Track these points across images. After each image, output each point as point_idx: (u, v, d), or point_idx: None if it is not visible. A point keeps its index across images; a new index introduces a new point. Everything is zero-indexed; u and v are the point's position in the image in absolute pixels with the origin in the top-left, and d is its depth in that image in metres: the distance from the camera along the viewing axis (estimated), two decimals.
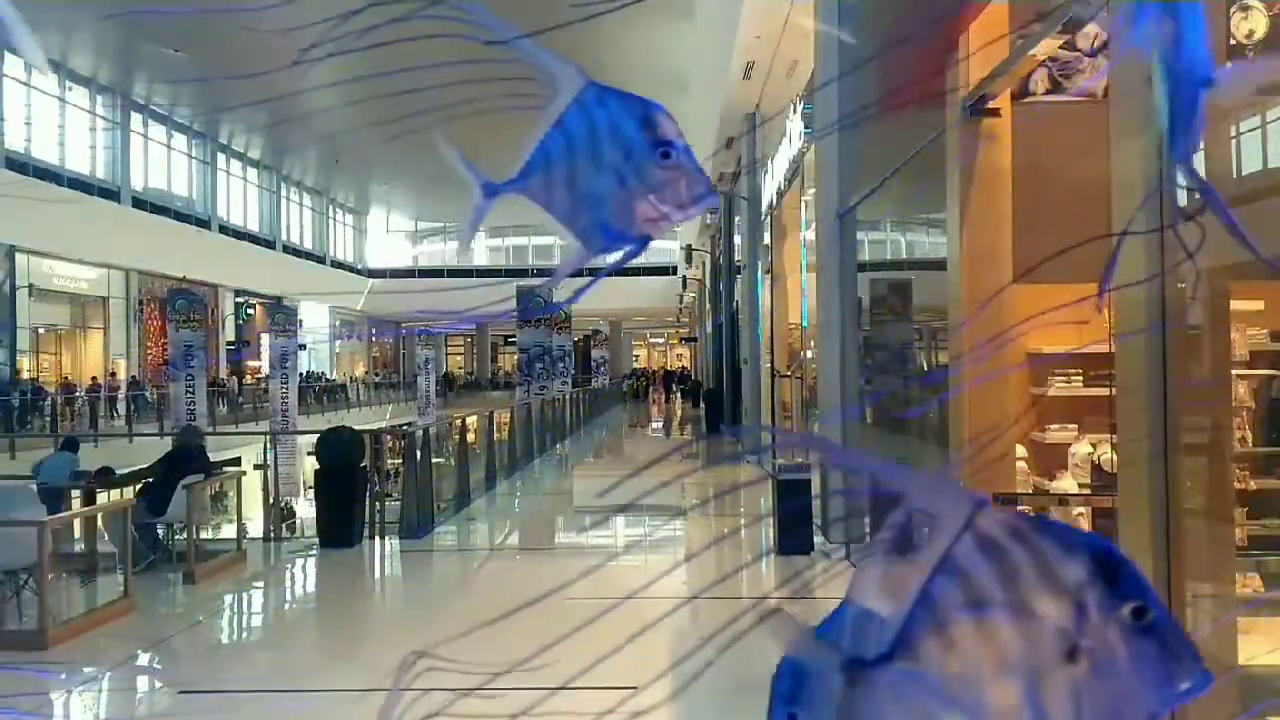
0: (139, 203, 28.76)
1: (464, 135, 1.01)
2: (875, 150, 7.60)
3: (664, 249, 48.55)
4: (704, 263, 30.78)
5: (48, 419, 21.49)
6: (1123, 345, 3.19)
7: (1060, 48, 5.33)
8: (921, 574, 0.71)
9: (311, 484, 10.05)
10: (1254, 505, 4.29)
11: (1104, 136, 3.38)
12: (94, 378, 25.97)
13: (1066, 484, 5.49)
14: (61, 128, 25.79)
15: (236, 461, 12.96)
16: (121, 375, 27.35)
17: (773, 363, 14.99)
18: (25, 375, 23.31)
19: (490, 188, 0.96)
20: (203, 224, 32.41)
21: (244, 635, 7.34)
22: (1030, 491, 5.60)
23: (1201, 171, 0.75)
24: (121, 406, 24.56)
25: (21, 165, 23.85)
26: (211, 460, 9.36)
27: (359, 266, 46.98)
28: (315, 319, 40.34)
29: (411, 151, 26.63)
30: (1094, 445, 5.45)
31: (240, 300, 34.26)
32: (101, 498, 9.04)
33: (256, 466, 11.72)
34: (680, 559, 9.21)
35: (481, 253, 49.96)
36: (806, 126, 12.63)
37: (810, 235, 11.27)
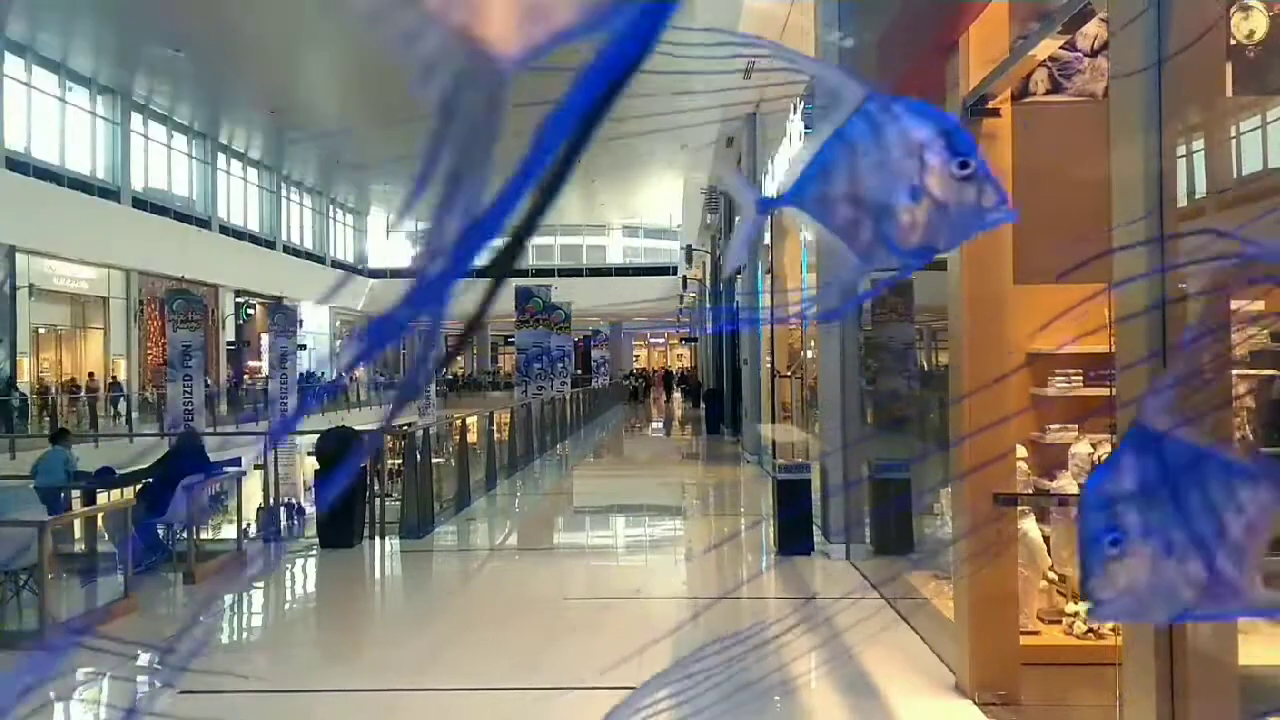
0: (139, 203, 28.73)
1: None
2: None
3: (664, 249, 48.51)
4: (704, 263, 30.75)
5: (49, 419, 21.46)
6: (1122, 345, 3.19)
7: (1060, 48, 5.33)
8: None
9: (311, 484, 10.05)
10: None
11: (1104, 136, 3.38)
12: (90, 374, 25.94)
13: (1066, 484, 5.49)
14: (62, 130, 25.78)
15: (237, 462, 12.93)
16: (122, 375, 27.34)
17: (773, 363, 14.98)
18: (26, 377, 23.26)
19: (764, 203, 0.92)
20: (203, 224, 32.39)
21: (244, 635, 7.34)
22: (1030, 492, 5.59)
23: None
24: (115, 407, 24.51)
25: (22, 165, 23.82)
26: (211, 460, 9.36)
27: (359, 267, 46.94)
28: (315, 319, 40.30)
29: (412, 151, 26.54)
30: (1094, 445, 5.45)
31: (240, 300, 34.24)
32: (101, 498, 9.04)
33: (256, 466, 11.71)
34: (680, 560, 9.22)
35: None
36: (807, 127, 12.62)
37: (810, 235, 11.25)
